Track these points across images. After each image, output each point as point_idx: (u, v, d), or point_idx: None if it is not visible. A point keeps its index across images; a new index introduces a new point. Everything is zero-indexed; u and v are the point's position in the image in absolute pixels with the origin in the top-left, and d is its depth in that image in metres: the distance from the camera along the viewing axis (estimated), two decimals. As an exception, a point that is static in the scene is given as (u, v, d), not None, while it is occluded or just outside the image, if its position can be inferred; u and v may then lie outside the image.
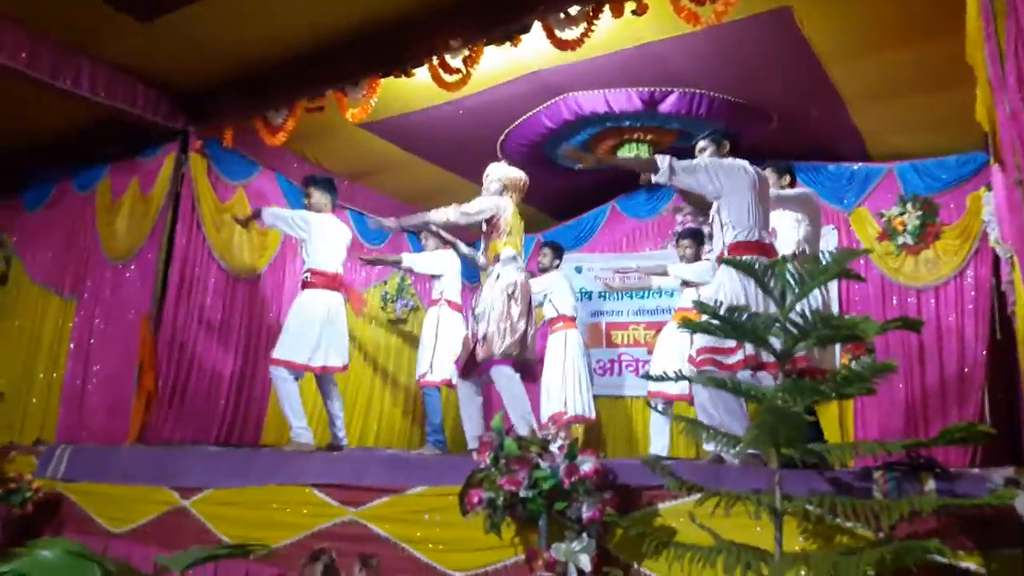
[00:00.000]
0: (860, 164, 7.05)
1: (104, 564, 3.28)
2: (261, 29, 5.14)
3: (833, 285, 6.78)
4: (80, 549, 3.35)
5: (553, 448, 3.00)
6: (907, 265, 6.75)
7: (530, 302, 4.86)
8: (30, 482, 4.58)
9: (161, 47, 5.37)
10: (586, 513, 2.88)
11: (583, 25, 4.45)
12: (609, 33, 5.09)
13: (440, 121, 6.26)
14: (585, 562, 2.86)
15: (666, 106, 6.12)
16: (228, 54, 5.45)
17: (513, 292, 4.73)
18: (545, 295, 6.76)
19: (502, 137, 6.67)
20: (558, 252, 7.09)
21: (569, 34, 4.46)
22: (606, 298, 8.20)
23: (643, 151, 6.74)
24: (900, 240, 6.71)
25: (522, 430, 4.37)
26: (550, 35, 4.49)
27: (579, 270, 8.13)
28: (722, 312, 2.42)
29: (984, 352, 6.31)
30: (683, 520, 2.88)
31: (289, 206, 6.81)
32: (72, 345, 6.36)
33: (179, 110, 6.08)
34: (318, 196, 5.57)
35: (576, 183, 7.78)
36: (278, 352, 5.28)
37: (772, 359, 3.25)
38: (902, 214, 6.71)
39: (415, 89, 5.53)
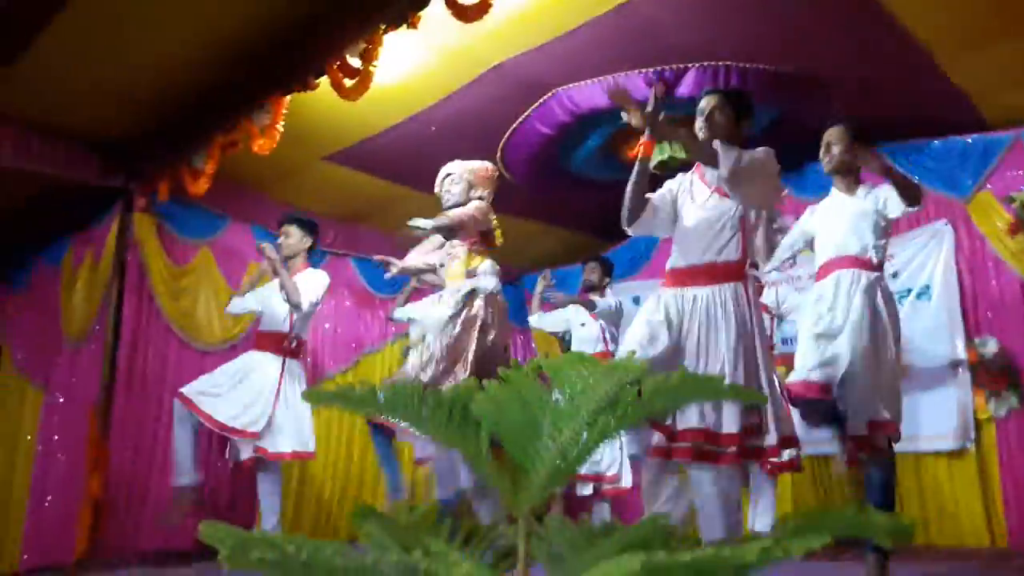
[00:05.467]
0: (975, 135, 5.31)
1: None
2: (144, 57, 4.17)
3: (954, 289, 5.16)
4: None
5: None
6: (1053, 262, 4.97)
7: None
8: None
9: (52, 93, 4.53)
10: None
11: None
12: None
13: (409, 141, 5.11)
14: None
15: (684, 88, 4.70)
16: (127, 93, 4.54)
17: None
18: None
19: (499, 154, 5.43)
20: (607, 270, 5.95)
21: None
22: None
23: (676, 149, 5.33)
24: (1040, 230, 4.96)
25: None
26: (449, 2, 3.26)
27: (637, 300, 6.68)
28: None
29: None
30: None
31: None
32: (39, 444, 5.61)
33: (115, 166, 5.21)
34: (297, 237, 4.82)
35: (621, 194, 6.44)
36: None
37: None
38: (1040, 194, 4.96)
39: (362, 108, 4.42)
